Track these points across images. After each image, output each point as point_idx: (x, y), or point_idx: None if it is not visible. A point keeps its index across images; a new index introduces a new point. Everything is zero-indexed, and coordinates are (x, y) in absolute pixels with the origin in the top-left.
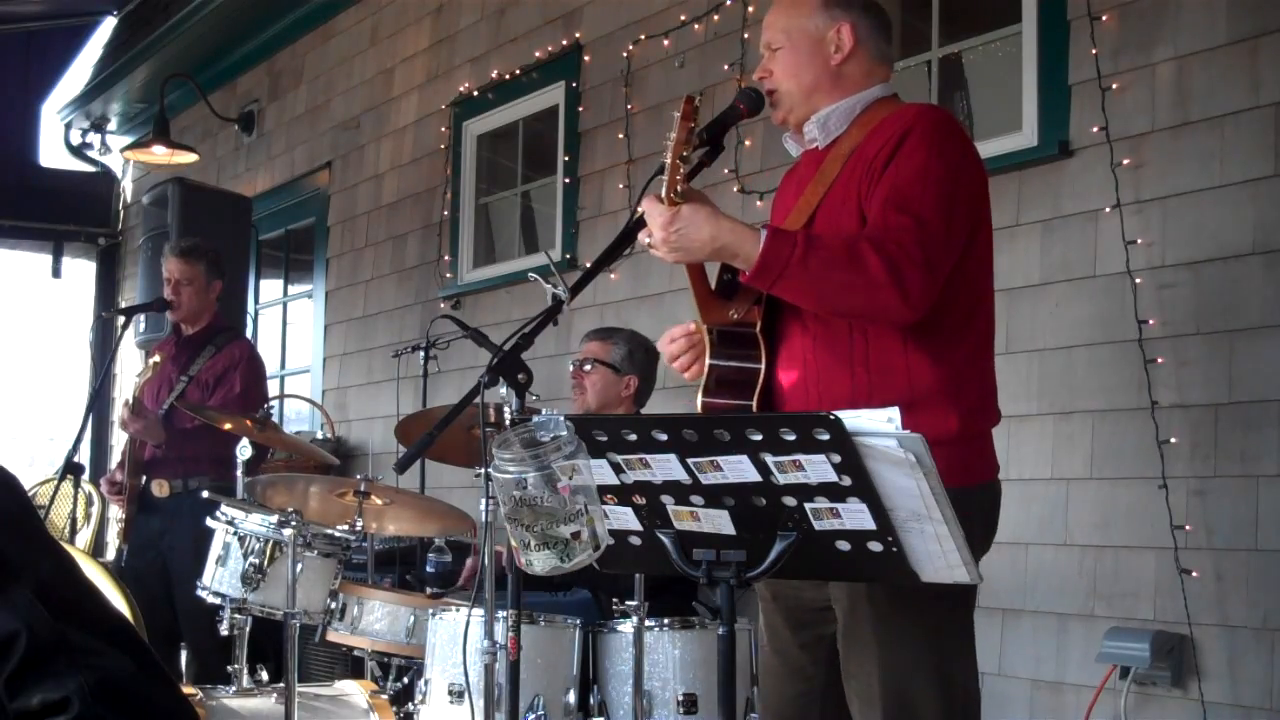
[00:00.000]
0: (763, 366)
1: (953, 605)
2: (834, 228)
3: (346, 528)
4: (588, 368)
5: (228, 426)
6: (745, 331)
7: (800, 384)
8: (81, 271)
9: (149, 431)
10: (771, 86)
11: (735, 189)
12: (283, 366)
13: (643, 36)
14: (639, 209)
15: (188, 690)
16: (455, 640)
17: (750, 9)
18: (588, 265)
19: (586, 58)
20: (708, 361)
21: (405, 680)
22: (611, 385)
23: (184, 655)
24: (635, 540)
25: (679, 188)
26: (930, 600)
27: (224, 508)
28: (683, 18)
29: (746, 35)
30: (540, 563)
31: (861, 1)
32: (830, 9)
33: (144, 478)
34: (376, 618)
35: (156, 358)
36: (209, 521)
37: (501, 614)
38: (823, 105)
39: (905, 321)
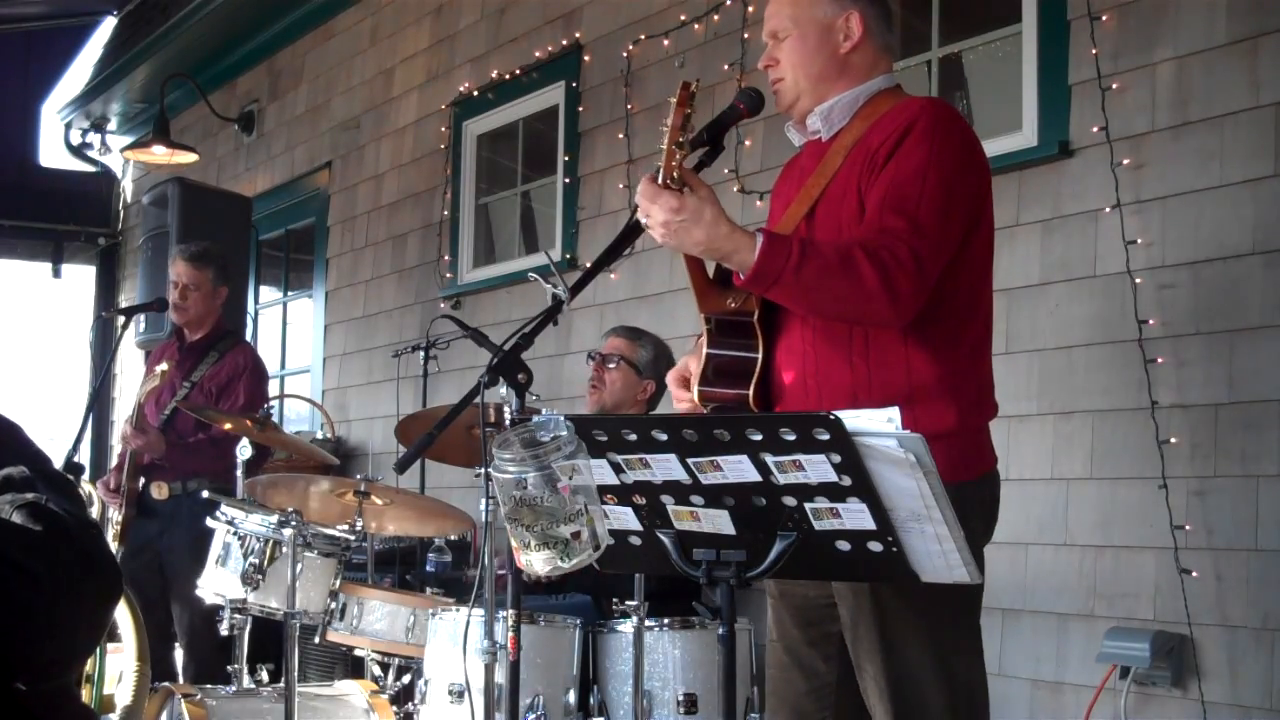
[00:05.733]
0: (759, 356)
1: (956, 604)
2: (834, 219)
3: (346, 528)
4: (611, 364)
5: (228, 427)
6: (743, 320)
7: (800, 376)
8: (81, 271)
9: (151, 447)
10: (778, 76)
11: (735, 189)
12: (283, 366)
13: (643, 36)
14: (639, 188)
15: (187, 690)
16: (455, 640)
17: (750, 9)
18: (588, 265)
19: (586, 58)
20: (705, 351)
21: (405, 680)
22: (631, 386)
23: (179, 656)
24: (635, 540)
25: (675, 173)
26: (933, 599)
27: (224, 508)
28: (683, 18)
29: (746, 35)
30: (540, 563)
31: None
32: None
33: (142, 480)
34: (376, 618)
35: (164, 365)
36: (209, 521)
37: (501, 614)
38: (829, 95)
39: (893, 325)
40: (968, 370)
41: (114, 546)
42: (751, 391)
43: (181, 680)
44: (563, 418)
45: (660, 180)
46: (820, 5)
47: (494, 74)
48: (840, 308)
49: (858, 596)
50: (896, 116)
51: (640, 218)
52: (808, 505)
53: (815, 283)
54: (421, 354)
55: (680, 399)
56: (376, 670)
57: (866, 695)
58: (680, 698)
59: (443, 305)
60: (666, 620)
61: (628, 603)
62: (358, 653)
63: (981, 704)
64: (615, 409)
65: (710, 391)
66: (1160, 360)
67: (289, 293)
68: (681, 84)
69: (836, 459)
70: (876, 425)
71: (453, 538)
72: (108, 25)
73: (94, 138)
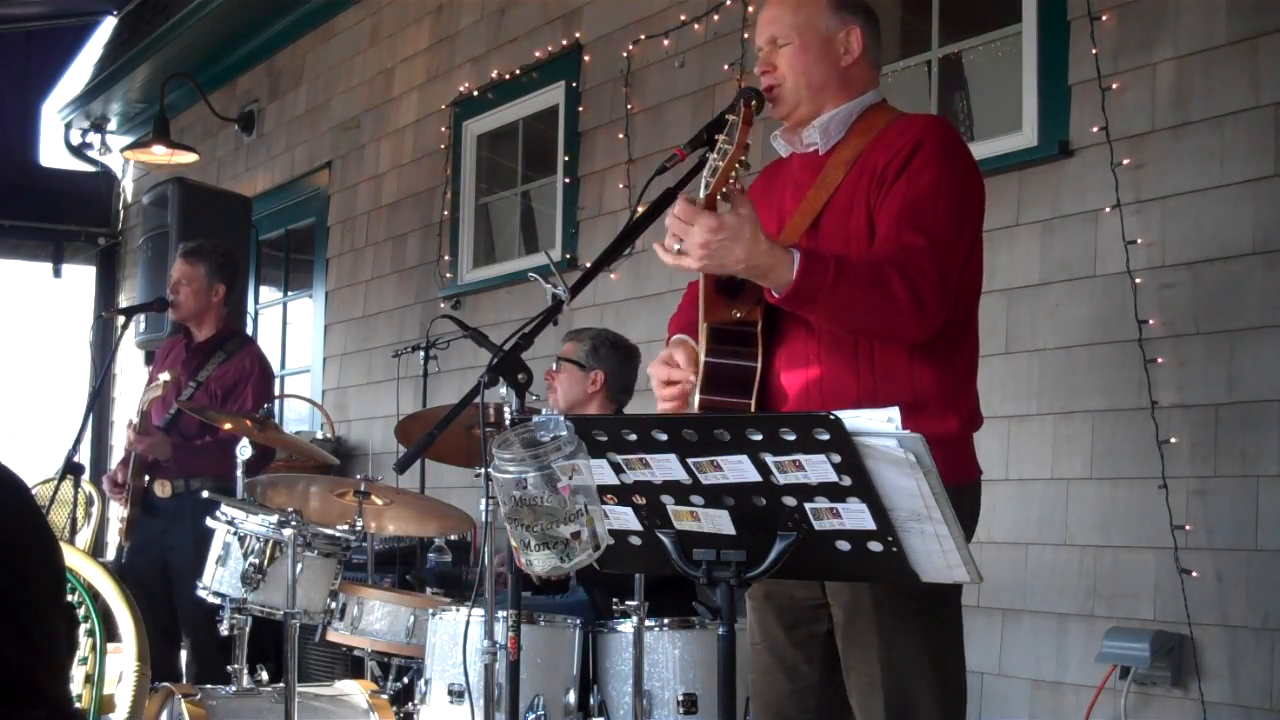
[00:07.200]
0: (758, 365)
1: (947, 602)
2: (840, 232)
3: (346, 528)
4: (555, 367)
5: (228, 426)
6: (744, 330)
7: (804, 386)
8: (81, 271)
9: (155, 449)
10: (774, 82)
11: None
12: (283, 366)
13: (643, 36)
14: (674, 210)
15: (187, 690)
16: (455, 640)
17: (750, 9)
18: (588, 265)
19: (586, 58)
20: (702, 359)
21: (405, 680)
22: (578, 381)
23: (184, 655)
24: (635, 540)
25: (724, 189)
26: (927, 598)
27: (224, 508)
28: (683, 18)
29: (746, 35)
30: (540, 563)
31: (865, 6)
32: (840, 11)
33: (146, 478)
34: (376, 618)
35: (167, 375)
36: (209, 521)
37: (501, 614)
38: (828, 107)
39: (920, 340)
40: (964, 383)
41: (119, 543)
42: (753, 402)
43: (185, 679)
44: (563, 418)
45: (705, 193)
46: (823, 17)
47: (494, 74)
48: (870, 322)
49: (855, 598)
50: (901, 134)
51: (671, 242)
52: (808, 505)
53: (850, 299)
54: (421, 354)
55: (672, 376)
56: (376, 670)
57: (852, 693)
58: (680, 698)
59: (443, 305)
60: (666, 620)
61: (628, 603)
62: (357, 653)
63: (963, 699)
64: (570, 406)
65: (711, 399)
66: (1160, 360)
67: (289, 293)
68: (745, 99)
69: (836, 459)
70: (876, 425)
71: (453, 538)
72: (108, 25)
73: (94, 138)
